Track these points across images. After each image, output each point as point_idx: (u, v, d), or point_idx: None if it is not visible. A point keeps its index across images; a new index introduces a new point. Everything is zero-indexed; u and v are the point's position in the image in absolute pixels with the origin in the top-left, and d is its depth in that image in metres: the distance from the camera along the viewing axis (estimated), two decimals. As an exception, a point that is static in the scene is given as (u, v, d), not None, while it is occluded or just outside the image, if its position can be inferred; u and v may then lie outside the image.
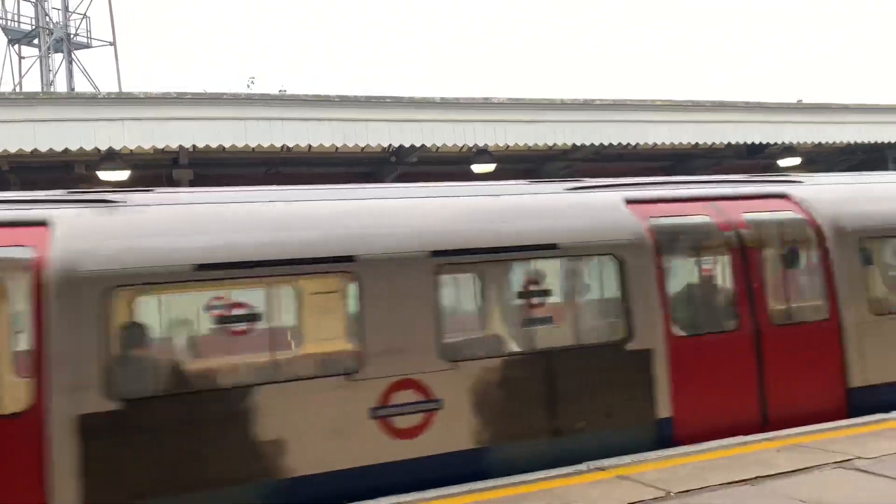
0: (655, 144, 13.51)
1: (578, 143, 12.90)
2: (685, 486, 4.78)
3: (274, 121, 11.45)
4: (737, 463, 5.25)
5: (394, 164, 13.58)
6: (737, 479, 4.86)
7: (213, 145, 11.10)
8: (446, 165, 13.87)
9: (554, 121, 12.63)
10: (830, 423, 6.30)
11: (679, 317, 6.57)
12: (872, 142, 14.88)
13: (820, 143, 14.67)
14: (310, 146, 11.81)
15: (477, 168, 13.38)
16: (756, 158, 15.05)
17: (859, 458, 5.21)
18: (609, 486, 4.91)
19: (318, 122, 11.72)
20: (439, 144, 12.10)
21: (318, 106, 11.82)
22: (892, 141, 14.97)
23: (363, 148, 12.19)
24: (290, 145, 11.56)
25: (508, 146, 12.82)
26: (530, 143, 12.65)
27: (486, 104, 12.44)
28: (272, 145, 11.45)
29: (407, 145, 12.03)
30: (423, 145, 12.03)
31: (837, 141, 14.70)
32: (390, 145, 12.03)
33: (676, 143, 13.72)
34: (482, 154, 13.12)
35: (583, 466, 5.34)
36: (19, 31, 37.78)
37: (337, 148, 12.09)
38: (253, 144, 11.27)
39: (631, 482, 4.97)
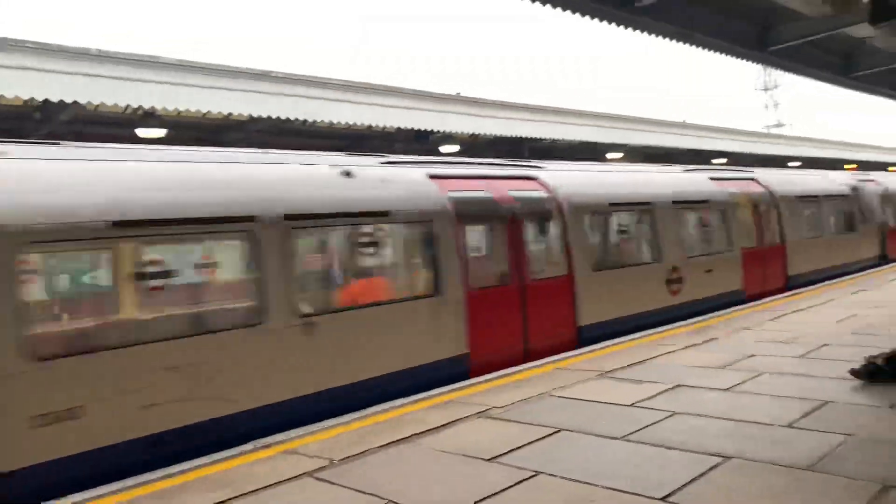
0: (332, 123, 13.82)
1: (255, 115, 12.60)
2: (348, 453, 5.04)
3: None
4: (396, 424, 5.70)
5: (39, 122, 11.79)
6: (395, 440, 5.28)
7: None
8: (107, 127, 12.48)
9: (230, 88, 12.13)
10: (474, 379, 7.19)
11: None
12: (515, 135, 17.16)
13: (475, 134, 16.45)
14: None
15: (143, 132, 12.28)
16: (422, 144, 16.32)
17: (494, 407, 6.05)
18: (274, 462, 4.95)
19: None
20: (96, 103, 10.78)
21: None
22: (526, 136, 17.41)
23: (-4, 100, 10.35)
24: None
25: (179, 111, 11.99)
26: (203, 110, 11.98)
27: (153, 62, 11.42)
28: None
29: (55, 100, 10.48)
30: (75, 102, 10.59)
31: (490, 133, 16.65)
32: (32, 98, 10.38)
33: (353, 123, 14.20)
34: (150, 117, 12.08)
35: (248, 446, 5.30)
36: None
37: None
38: None
39: (296, 455, 5.07)
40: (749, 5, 10.03)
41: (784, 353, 7.57)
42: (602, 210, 10.39)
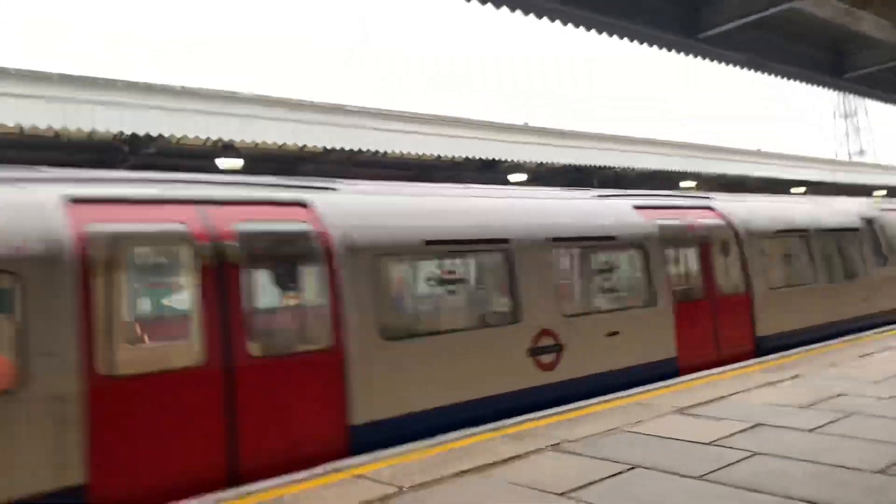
0: (402, 154, 14.06)
1: (329, 147, 12.94)
2: (418, 481, 5.02)
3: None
4: (466, 454, 5.65)
5: (127, 154, 12.43)
6: (465, 469, 5.23)
7: None
8: (188, 159, 13.05)
9: (305, 122, 12.52)
10: (547, 411, 7.05)
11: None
12: (586, 164, 17.04)
13: (543, 163, 16.42)
14: (21, 128, 10.34)
15: (223, 164, 12.79)
16: (491, 173, 16.40)
17: (566, 441, 5.92)
18: (345, 487, 4.98)
19: (33, 100, 10.28)
20: (179, 136, 11.32)
21: (35, 82, 10.37)
22: (595, 164, 17.26)
23: (89, 133, 10.98)
24: (-3, 123, 9.99)
25: (257, 143, 12.44)
26: (279, 143, 12.40)
27: (232, 97, 11.92)
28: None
29: (142, 134, 11.06)
30: (160, 135, 11.15)
31: (558, 162, 16.59)
32: (121, 132, 10.98)
33: (422, 153, 14.41)
34: (228, 149, 12.58)
35: (319, 469, 5.35)
36: None
37: (56, 132, 10.74)
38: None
39: (366, 481, 5.08)
40: (823, 32, 9.75)
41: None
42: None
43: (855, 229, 13.05)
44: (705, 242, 10.19)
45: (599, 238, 8.86)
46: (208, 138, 11.93)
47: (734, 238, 10.58)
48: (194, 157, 13.10)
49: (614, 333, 8.31)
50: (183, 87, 11.74)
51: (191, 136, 11.47)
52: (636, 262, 9.26)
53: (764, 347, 10.34)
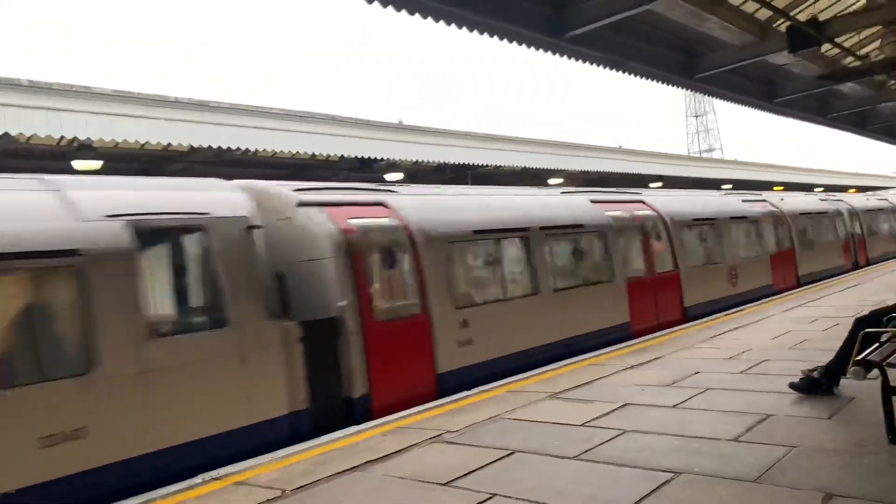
0: (275, 152, 13.68)
1: (196, 145, 12.38)
2: (300, 483, 4.94)
3: None
4: (349, 452, 5.62)
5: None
6: (348, 468, 5.20)
7: None
8: (40, 160, 12.07)
9: (169, 119, 11.90)
10: (427, 405, 7.16)
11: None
12: (458, 162, 17.34)
13: (418, 161, 16.55)
14: None
15: (79, 165, 11.92)
16: (368, 171, 16.32)
17: (448, 431, 6.03)
18: (225, 495, 4.82)
19: None
20: (28, 134, 10.42)
21: None
22: (471, 163, 17.63)
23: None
24: None
25: (117, 143, 11.70)
26: (142, 141, 11.72)
27: (87, 93, 11.13)
28: None
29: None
30: (6, 134, 10.22)
31: (434, 160, 16.77)
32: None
33: (294, 152, 14.10)
34: (86, 149, 11.74)
35: (198, 479, 5.14)
36: None
37: None
38: None
39: (248, 487, 4.95)
40: (675, 34, 10.47)
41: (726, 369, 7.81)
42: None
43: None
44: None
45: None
46: (62, 137, 11.08)
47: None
48: (45, 158, 12.14)
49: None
50: (31, 82, 10.83)
51: (41, 134, 10.59)
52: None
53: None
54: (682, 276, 12.99)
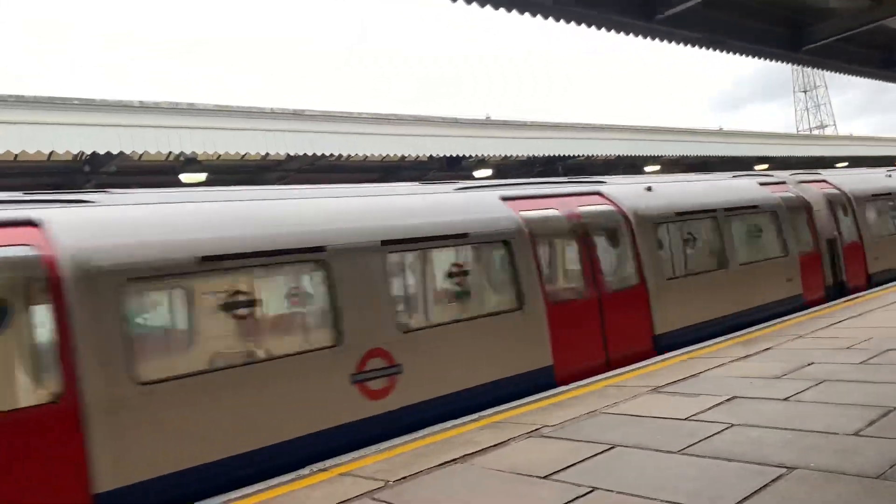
0: (367, 156, 14.01)
1: (292, 154, 12.87)
2: (402, 474, 5.04)
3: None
4: (448, 445, 5.68)
5: (88, 174, 12.26)
6: (448, 460, 5.26)
7: None
8: (151, 175, 12.90)
9: (265, 129, 12.43)
10: (523, 399, 7.10)
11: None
12: (548, 155, 17.15)
13: (507, 157, 16.50)
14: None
15: (186, 178, 12.65)
16: (455, 170, 16.43)
17: (545, 426, 5.98)
18: (331, 486, 4.98)
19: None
20: (140, 152, 11.17)
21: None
22: (562, 154, 17.40)
23: (49, 155, 10.80)
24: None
25: (219, 155, 12.33)
26: (242, 152, 12.31)
27: (191, 110, 11.80)
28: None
29: (102, 152, 10.89)
30: (121, 153, 11.00)
31: (522, 154, 16.68)
32: (81, 153, 10.81)
33: (385, 154, 14.39)
34: (191, 163, 12.45)
35: (305, 470, 5.35)
36: None
37: (16, 156, 10.55)
38: None
39: (353, 478, 5.10)
40: (777, 6, 9.90)
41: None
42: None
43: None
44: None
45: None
46: (170, 153, 11.81)
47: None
48: (156, 174, 12.96)
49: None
50: (141, 103, 11.60)
51: (152, 151, 11.33)
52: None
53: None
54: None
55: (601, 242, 9.34)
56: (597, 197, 9.74)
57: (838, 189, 14.03)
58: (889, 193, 15.46)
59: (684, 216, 10.46)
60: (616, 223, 9.54)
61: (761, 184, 12.69)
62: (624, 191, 10.12)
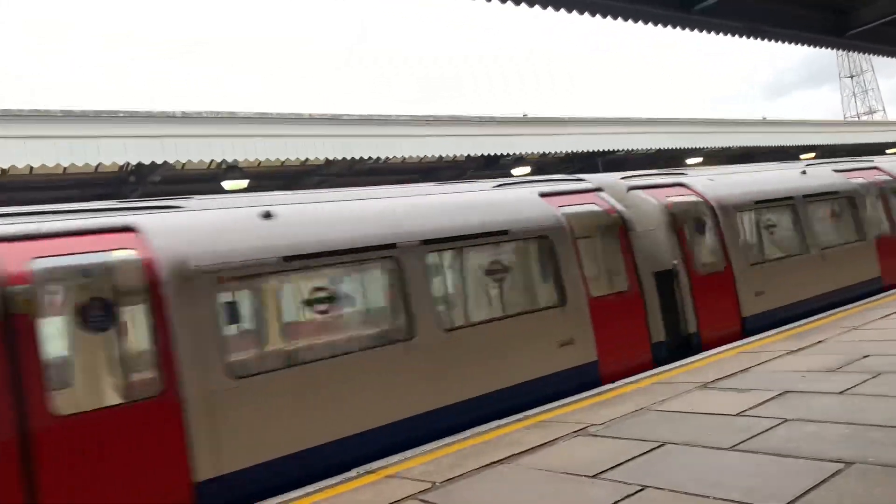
0: (404, 158, 14.07)
1: (331, 158, 12.99)
2: (448, 475, 5.03)
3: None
4: (494, 446, 5.65)
5: (134, 184, 12.56)
6: (494, 461, 5.23)
7: None
8: (194, 183, 13.16)
9: (304, 135, 12.58)
10: (568, 398, 7.04)
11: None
12: (587, 150, 16.98)
13: (545, 153, 16.39)
14: (31, 167, 10.47)
15: (228, 185, 12.88)
16: (493, 169, 16.37)
17: (592, 424, 5.91)
18: (378, 487, 5.00)
19: (39, 140, 10.42)
20: (184, 161, 11.41)
21: (39, 122, 10.49)
22: (601, 149, 17.21)
23: (96, 167, 11.10)
24: (5, 167, 10.12)
25: (260, 161, 12.52)
26: (282, 158, 12.47)
27: (231, 118, 12.01)
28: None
29: (147, 163, 11.16)
30: (165, 162, 11.25)
31: (560, 150, 16.55)
32: (127, 164, 11.09)
33: (423, 156, 14.42)
34: (232, 170, 12.67)
35: (352, 472, 5.38)
36: None
37: (65, 168, 10.87)
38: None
39: (399, 480, 5.11)
40: (822, -10, 9.62)
41: None
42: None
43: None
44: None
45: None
46: (212, 161, 12.03)
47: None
48: (198, 181, 13.21)
49: None
50: (184, 114, 11.85)
51: (195, 160, 11.56)
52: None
53: None
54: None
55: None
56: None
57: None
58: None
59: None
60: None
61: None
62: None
